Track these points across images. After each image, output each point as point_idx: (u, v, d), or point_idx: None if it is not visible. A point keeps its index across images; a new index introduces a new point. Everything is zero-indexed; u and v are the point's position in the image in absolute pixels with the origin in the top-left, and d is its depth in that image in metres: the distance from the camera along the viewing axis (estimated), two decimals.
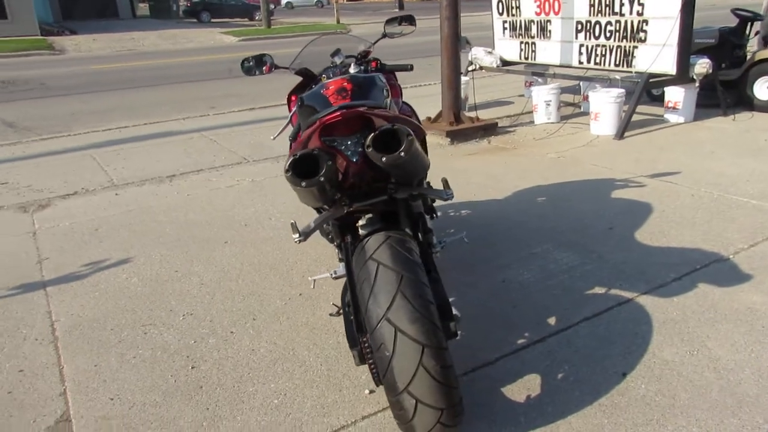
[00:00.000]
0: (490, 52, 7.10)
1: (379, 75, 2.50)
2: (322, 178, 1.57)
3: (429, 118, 5.98)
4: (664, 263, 3.01)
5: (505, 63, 7.14)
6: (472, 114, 6.13)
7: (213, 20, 28.21)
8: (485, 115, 6.52)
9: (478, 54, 7.12)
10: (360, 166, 1.75)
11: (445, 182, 2.07)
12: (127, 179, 4.98)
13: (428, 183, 2.59)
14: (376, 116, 1.65)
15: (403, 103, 2.91)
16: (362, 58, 2.81)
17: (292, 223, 1.94)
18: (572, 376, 2.21)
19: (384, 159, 1.57)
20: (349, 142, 1.66)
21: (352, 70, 2.71)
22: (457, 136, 5.68)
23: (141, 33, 22.01)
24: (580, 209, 3.79)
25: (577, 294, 2.77)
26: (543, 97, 6.23)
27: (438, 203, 3.94)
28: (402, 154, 1.57)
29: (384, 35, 2.96)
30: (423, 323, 1.63)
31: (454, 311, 1.91)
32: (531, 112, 6.44)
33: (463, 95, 6.74)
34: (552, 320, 2.58)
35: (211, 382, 2.27)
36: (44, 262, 3.40)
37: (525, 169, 4.72)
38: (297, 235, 1.93)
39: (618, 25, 5.88)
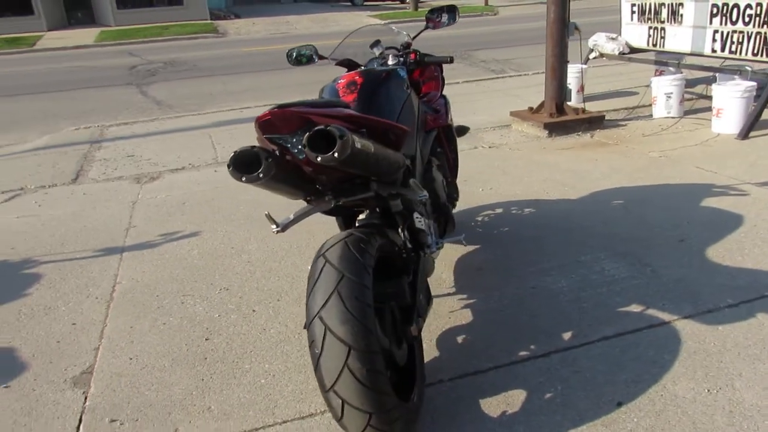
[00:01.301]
0: (613, 38, 6.58)
1: (399, 69, 2.48)
2: (261, 175, 1.62)
3: (531, 109, 5.73)
4: (726, 286, 2.66)
5: (631, 50, 6.58)
6: (580, 105, 5.76)
7: (366, 3, 29.00)
8: (600, 106, 6.10)
9: (599, 40, 6.64)
10: (317, 164, 1.76)
11: (415, 184, 2.01)
12: (227, 158, 5.37)
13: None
14: (316, 115, 1.65)
15: (441, 96, 2.85)
16: (403, 50, 2.79)
17: (266, 214, 2.01)
18: (560, 398, 2.06)
19: (319, 159, 1.58)
20: (294, 140, 1.68)
21: (390, 61, 2.71)
22: (556, 129, 5.38)
23: (296, 17, 23.29)
24: (655, 216, 3.45)
25: (608, 310, 2.56)
26: (663, 88, 5.68)
27: (496, 200, 3.82)
28: (335, 155, 1.56)
29: (426, 27, 2.91)
30: (353, 325, 1.63)
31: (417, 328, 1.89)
32: (650, 105, 5.90)
33: (577, 85, 6.37)
34: (567, 335, 2.41)
35: (216, 355, 2.44)
36: (130, 230, 3.83)
37: (615, 167, 4.37)
38: (275, 226, 1.99)
39: (759, 8, 5.16)
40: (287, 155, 1.69)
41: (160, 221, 3.94)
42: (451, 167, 2.81)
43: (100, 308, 2.87)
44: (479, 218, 3.63)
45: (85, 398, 2.23)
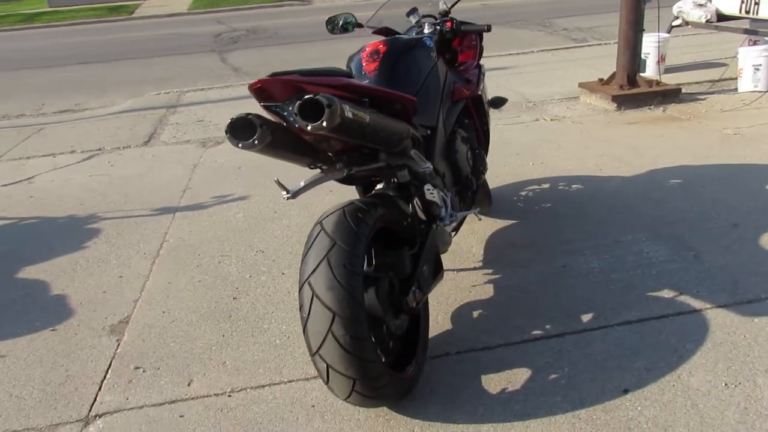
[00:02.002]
0: (701, 5, 6.09)
1: (426, 38, 2.45)
2: (255, 142, 1.65)
3: (601, 80, 5.45)
4: None
5: (720, 17, 6.08)
6: (655, 77, 5.42)
7: None
8: (680, 79, 5.71)
9: (684, 7, 6.16)
10: (312, 133, 1.77)
11: (417, 155, 1.98)
12: None
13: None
14: (308, 84, 1.65)
15: (476, 65, 2.78)
16: (440, 18, 2.74)
17: (276, 180, 2.06)
18: (565, 380, 2.01)
19: (309, 127, 1.59)
20: (290, 108, 1.70)
21: (426, 30, 2.68)
22: (625, 102, 5.10)
23: None
24: (712, 199, 3.22)
25: (637, 294, 2.45)
26: (751, 59, 5.23)
27: (545, 175, 3.71)
28: (323, 124, 1.57)
29: None
30: (338, 292, 1.66)
31: (413, 295, 1.90)
32: (736, 78, 5.45)
33: (657, 56, 5.99)
34: (587, 317, 2.34)
35: (240, 314, 2.56)
36: (187, 191, 4.03)
37: (681, 144, 4.10)
38: (285, 192, 2.05)
39: None
40: (285, 123, 1.72)
41: (215, 184, 4.12)
42: (480, 140, 2.74)
43: (146, 263, 3.07)
44: (523, 193, 3.54)
45: (118, 345, 2.41)
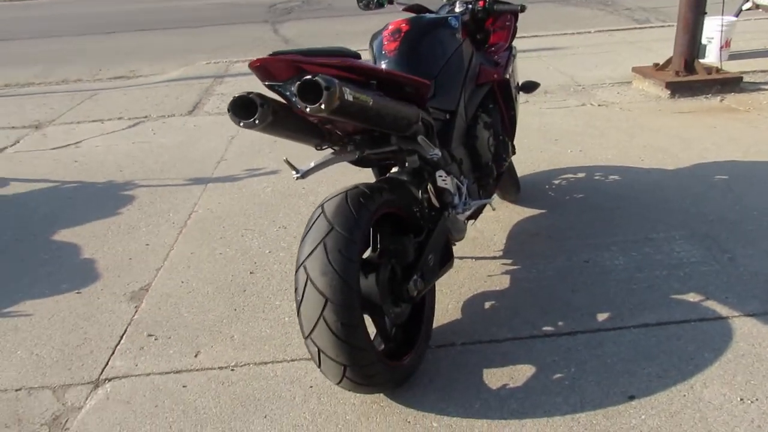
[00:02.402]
0: None
1: (451, 17, 2.36)
2: (256, 121, 1.64)
3: (656, 65, 5.18)
4: None
5: None
6: (715, 64, 5.11)
7: None
8: (746, 66, 5.38)
9: None
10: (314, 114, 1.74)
11: (424, 141, 1.91)
12: None
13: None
14: (309, 64, 1.61)
15: (508, 47, 2.67)
16: None
17: (285, 160, 2.04)
18: (569, 381, 1.95)
19: (307, 109, 1.56)
20: (293, 88, 1.66)
21: (457, 8, 2.60)
22: (680, 89, 4.84)
23: None
24: (758, 198, 3.03)
25: (660, 295, 2.34)
26: None
27: (582, 163, 3.58)
28: (322, 106, 1.54)
29: None
30: (332, 278, 1.65)
31: (414, 284, 1.86)
32: None
33: (721, 41, 5.64)
34: (602, 316, 2.25)
35: (254, 289, 2.59)
36: (221, 163, 4.08)
37: (733, 137, 3.86)
38: (295, 172, 2.03)
39: None
40: (288, 103, 1.69)
41: (249, 157, 4.16)
42: (506, 125, 2.65)
43: (173, 233, 3.13)
44: (556, 182, 3.42)
45: (135, 312, 2.49)
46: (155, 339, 2.31)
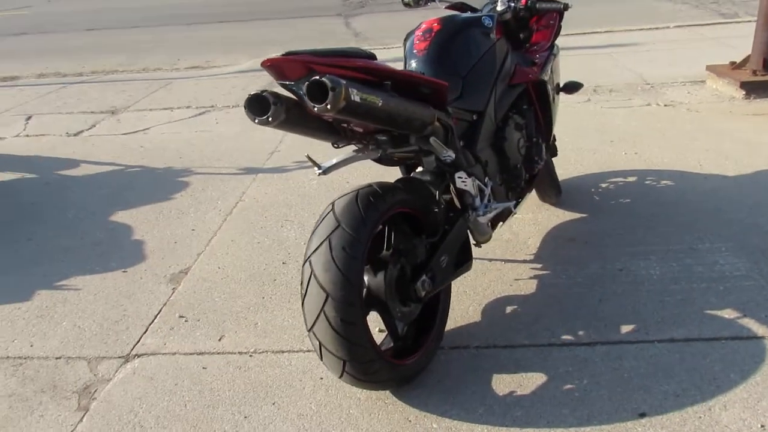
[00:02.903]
0: None
1: (485, 17, 2.34)
2: (270, 119, 1.68)
3: (732, 64, 4.87)
4: None
5: None
6: None
7: None
8: None
9: None
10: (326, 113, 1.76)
11: (436, 142, 1.89)
12: None
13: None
14: (319, 65, 1.63)
15: (549, 47, 2.60)
16: None
17: (307, 156, 2.09)
18: (579, 393, 1.90)
19: (315, 109, 1.59)
20: (303, 88, 1.69)
21: (499, 6, 2.56)
22: (756, 89, 4.53)
23: None
24: None
25: (694, 310, 2.22)
26: None
27: (635, 167, 3.44)
28: (328, 106, 1.56)
29: None
30: (334, 274, 1.68)
31: (422, 285, 1.87)
32: None
33: None
34: (627, 328, 2.17)
35: (284, 279, 2.66)
36: (274, 154, 4.20)
37: None
38: (317, 168, 2.08)
39: None
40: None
41: (301, 149, 4.23)
42: (541, 127, 2.58)
43: (218, 220, 3.27)
44: (604, 185, 3.30)
45: (172, 293, 2.62)
46: (185, 321, 2.43)
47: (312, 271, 1.72)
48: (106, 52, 8.70)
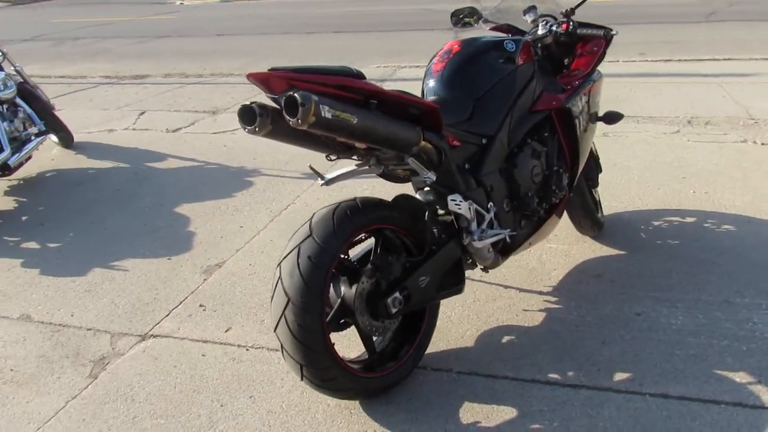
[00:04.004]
0: None
1: (508, 41, 2.33)
2: (256, 129, 1.78)
3: None
4: None
5: None
6: None
7: None
8: None
9: None
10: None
11: (415, 163, 1.91)
12: None
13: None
14: (300, 81, 1.70)
15: (587, 74, 2.51)
16: (562, 18, 2.55)
17: (310, 166, 2.18)
18: None
19: (290, 122, 1.67)
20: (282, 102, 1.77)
21: (540, 31, 2.53)
22: None
23: None
24: None
25: (703, 368, 2.05)
26: None
27: (699, 207, 3.21)
28: (299, 120, 1.64)
29: None
30: (297, 280, 1.76)
31: (393, 302, 1.89)
32: None
33: None
34: (621, 376, 2.05)
35: None
36: (338, 161, 4.35)
37: None
38: (320, 179, 2.17)
39: None
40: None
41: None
42: (565, 157, 2.48)
43: (266, 220, 3.46)
44: (657, 223, 3.10)
45: (202, 283, 2.83)
46: (203, 310, 2.62)
47: (279, 275, 1.81)
48: (229, 56, 9.39)
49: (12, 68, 4.62)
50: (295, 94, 1.64)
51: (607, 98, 5.43)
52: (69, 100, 6.65)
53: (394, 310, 1.92)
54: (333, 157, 2.06)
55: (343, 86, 1.78)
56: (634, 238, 2.96)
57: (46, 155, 4.69)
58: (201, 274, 2.91)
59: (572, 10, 2.63)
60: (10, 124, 4.08)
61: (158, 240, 3.28)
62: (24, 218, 3.67)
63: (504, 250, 2.34)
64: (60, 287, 2.86)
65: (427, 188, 2.13)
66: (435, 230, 2.08)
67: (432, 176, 1.96)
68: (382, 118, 1.80)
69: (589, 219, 2.79)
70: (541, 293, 2.56)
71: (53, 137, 4.73)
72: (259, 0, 17.82)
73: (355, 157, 2.12)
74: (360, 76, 1.85)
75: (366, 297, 1.92)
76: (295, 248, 1.82)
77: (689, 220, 3.12)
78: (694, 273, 2.62)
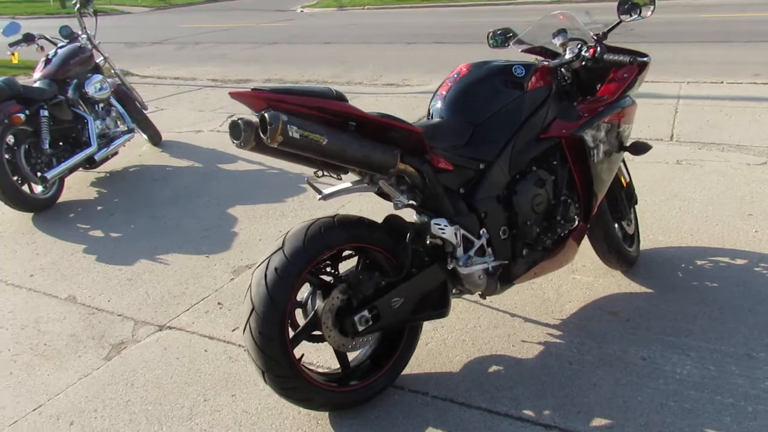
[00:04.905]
0: None
1: (517, 66, 2.28)
2: (241, 144, 1.87)
3: None
4: None
5: None
6: None
7: None
8: None
9: None
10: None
11: (385, 185, 1.94)
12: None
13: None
14: (275, 101, 1.76)
15: (610, 102, 2.40)
16: (593, 43, 2.47)
17: (307, 181, 2.25)
18: None
19: (263, 140, 1.75)
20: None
21: (567, 55, 2.47)
22: None
23: None
24: None
25: (694, 424, 1.90)
26: None
27: (752, 248, 2.96)
28: (268, 139, 1.71)
29: (620, 21, 2.47)
30: (262, 290, 1.84)
31: (359, 320, 1.92)
32: None
33: None
34: (599, 422, 1.94)
35: None
36: None
37: None
38: (318, 193, 2.24)
39: None
40: None
41: None
42: (576, 188, 2.35)
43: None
44: (701, 262, 2.86)
45: (228, 282, 3.00)
46: (220, 307, 2.78)
47: (250, 283, 1.90)
48: (327, 64, 9.74)
49: (112, 71, 5.14)
50: (265, 114, 1.72)
51: (697, 122, 5.08)
52: (174, 101, 7.22)
53: (360, 328, 1.94)
54: (320, 174, 2.11)
55: (321, 108, 1.84)
56: (669, 277, 2.76)
57: (136, 151, 5.15)
58: (230, 274, 3.09)
59: (605, 35, 2.53)
60: (102, 122, 4.54)
61: (204, 238, 3.51)
62: (99, 208, 4.06)
63: (504, 277, 2.29)
64: (107, 274, 3.15)
65: (398, 208, 2.13)
66: (419, 252, 2.08)
67: (403, 200, 1.97)
68: (354, 141, 1.84)
69: (614, 253, 2.64)
70: (547, 325, 2.47)
71: (144, 135, 5.19)
72: (375, 9, 18.30)
73: (335, 175, 2.13)
74: (341, 98, 1.90)
75: (336, 312, 1.97)
76: (266, 259, 1.91)
77: (739, 262, 2.85)
78: (723, 320, 2.41)
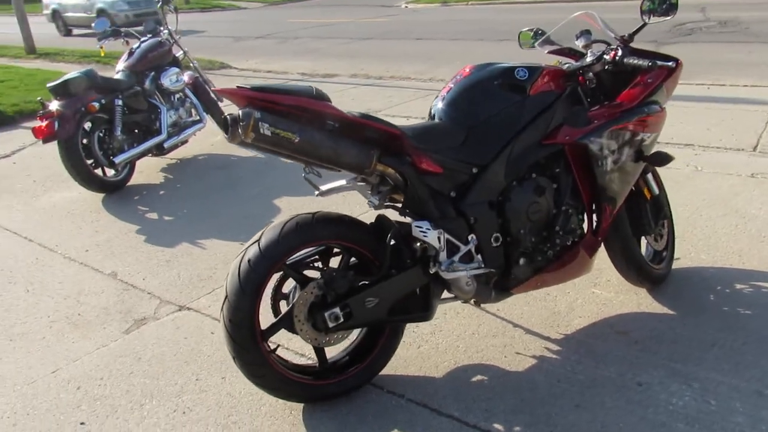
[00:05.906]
0: None
1: (520, 69, 2.21)
2: (230, 138, 1.94)
3: None
4: None
5: None
6: None
7: None
8: None
9: None
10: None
11: (359, 188, 1.89)
12: None
13: None
14: (257, 99, 1.80)
15: (628, 109, 2.25)
16: (615, 45, 2.35)
17: (304, 177, 2.29)
18: None
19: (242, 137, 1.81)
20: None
21: (589, 58, 2.37)
22: None
23: None
24: None
25: None
26: None
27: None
28: (241, 135, 1.77)
29: (644, 24, 2.30)
30: (235, 281, 1.92)
31: (329, 317, 1.94)
32: None
33: None
34: None
35: None
36: None
37: None
38: (316, 190, 2.29)
39: None
40: None
41: None
42: (582, 197, 2.20)
43: None
44: (741, 286, 2.61)
45: None
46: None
47: (229, 272, 1.99)
48: (415, 59, 9.75)
49: (191, 64, 5.47)
50: (239, 111, 1.79)
51: None
52: None
53: (331, 325, 1.97)
54: (308, 169, 2.15)
55: (299, 107, 1.88)
56: (699, 299, 2.55)
57: (210, 141, 5.45)
58: None
59: (630, 37, 2.37)
60: (175, 112, 4.85)
61: (244, 225, 3.67)
62: (161, 192, 4.36)
63: (500, 286, 2.22)
64: (150, 254, 3.39)
65: (377, 209, 2.12)
66: (401, 254, 2.07)
67: (374, 200, 1.97)
68: (328, 140, 1.87)
69: (633, 269, 2.47)
70: (548, 339, 2.36)
71: (218, 126, 5.48)
72: (479, 5, 18.01)
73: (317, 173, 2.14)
74: (321, 97, 1.93)
75: (309, 307, 2.01)
76: (243, 251, 1.98)
77: None
78: (743, 351, 2.19)
